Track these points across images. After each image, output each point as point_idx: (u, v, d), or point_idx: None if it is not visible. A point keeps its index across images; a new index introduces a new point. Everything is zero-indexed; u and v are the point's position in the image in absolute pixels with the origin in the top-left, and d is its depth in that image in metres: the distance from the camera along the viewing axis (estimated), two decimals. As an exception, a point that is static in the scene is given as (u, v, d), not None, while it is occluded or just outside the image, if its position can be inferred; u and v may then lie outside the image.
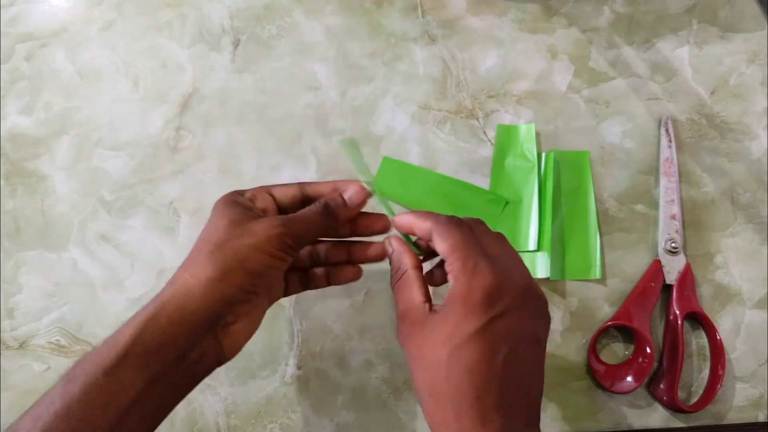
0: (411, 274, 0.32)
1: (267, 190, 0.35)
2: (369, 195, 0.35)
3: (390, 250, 0.34)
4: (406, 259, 0.33)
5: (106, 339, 0.29)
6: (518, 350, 0.28)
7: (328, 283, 0.38)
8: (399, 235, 0.35)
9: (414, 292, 0.31)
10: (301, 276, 0.38)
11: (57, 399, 0.28)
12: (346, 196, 0.34)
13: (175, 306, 0.29)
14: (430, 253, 0.34)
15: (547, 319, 0.31)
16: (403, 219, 0.34)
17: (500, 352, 0.28)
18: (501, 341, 0.28)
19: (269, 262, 0.31)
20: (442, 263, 0.32)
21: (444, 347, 0.28)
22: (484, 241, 0.31)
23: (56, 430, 0.27)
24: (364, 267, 0.44)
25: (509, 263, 0.30)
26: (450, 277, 0.29)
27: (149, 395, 0.29)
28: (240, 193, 0.34)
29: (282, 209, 0.35)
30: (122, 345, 0.28)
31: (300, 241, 0.32)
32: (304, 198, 0.36)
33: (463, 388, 0.28)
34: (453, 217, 0.32)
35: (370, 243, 0.37)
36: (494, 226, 0.36)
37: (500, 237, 0.32)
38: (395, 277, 0.33)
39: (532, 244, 0.44)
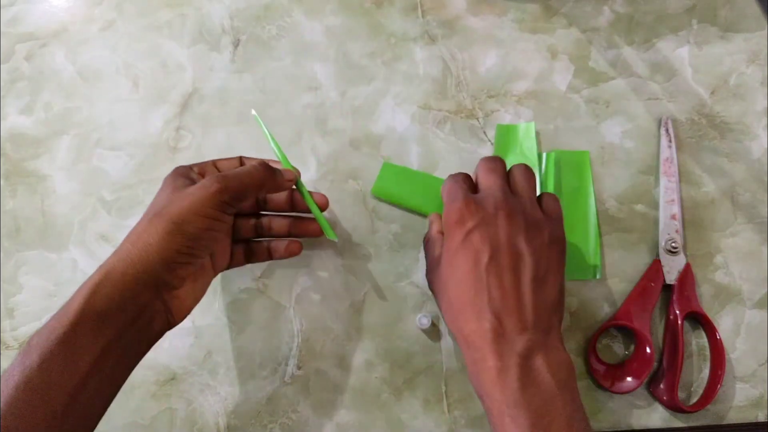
0: (435, 237, 0.40)
1: (213, 163, 0.39)
2: (296, 177, 0.39)
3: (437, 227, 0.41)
4: (435, 226, 0.41)
5: (57, 311, 0.30)
6: (499, 258, 0.33)
7: (270, 257, 0.41)
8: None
9: (437, 247, 0.39)
10: (245, 248, 0.41)
11: (16, 372, 0.28)
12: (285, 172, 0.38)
13: (119, 273, 0.31)
14: None
15: (530, 236, 0.34)
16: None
17: (481, 260, 0.33)
18: (478, 251, 0.34)
19: (206, 224, 0.33)
20: None
21: (444, 270, 0.36)
22: (481, 180, 0.37)
23: (18, 401, 0.28)
24: (366, 267, 0.44)
25: (487, 191, 0.36)
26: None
27: (105, 360, 0.30)
28: (188, 167, 0.37)
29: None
30: (73, 313, 0.29)
31: (237, 195, 0.34)
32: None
33: (460, 296, 0.34)
34: (459, 173, 0.39)
35: (311, 219, 0.41)
36: None
37: (491, 173, 0.37)
38: (427, 238, 0.41)
39: None
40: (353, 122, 0.47)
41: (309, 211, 0.40)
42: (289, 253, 0.41)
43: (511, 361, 0.31)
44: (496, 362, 0.31)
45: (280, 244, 0.41)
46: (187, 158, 0.46)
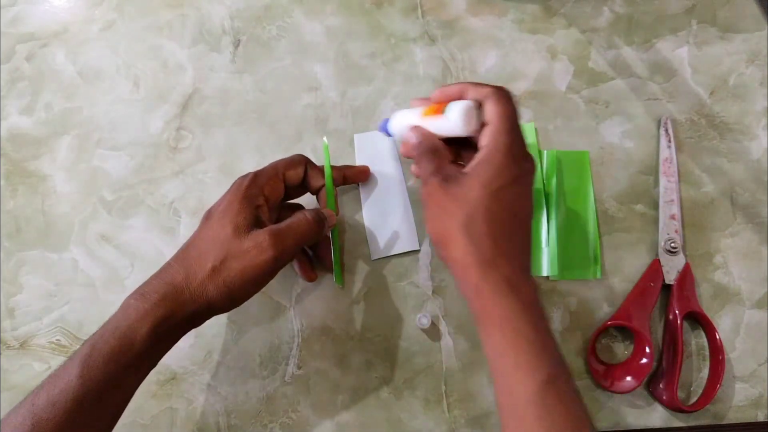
0: (442, 146, 0.37)
1: (281, 174, 0.39)
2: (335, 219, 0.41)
3: (415, 136, 0.38)
4: (437, 139, 0.37)
5: (114, 330, 0.32)
6: (530, 211, 0.35)
7: (312, 268, 0.44)
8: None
9: (446, 157, 0.37)
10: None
11: (75, 384, 0.31)
12: (327, 214, 0.39)
13: (180, 316, 0.34)
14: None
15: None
16: (453, 87, 0.37)
17: (528, 203, 0.34)
18: (528, 194, 0.34)
19: (255, 290, 0.36)
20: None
21: (485, 188, 0.33)
22: (515, 129, 0.36)
23: (75, 414, 0.31)
24: (366, 267, 0.44)
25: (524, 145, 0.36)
26: (491, 136, 0.34)
27: (143, 376, 0.34)
28: (257, 185, 0.37)
29: (288, 191, 0.40)
30: (138, 345, 0.32)
31: (289, 255, 0.36)
32: (305, 178, 0.41)
33: (501, 221, 0.33)
34: (506, 89, 0.36)
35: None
36: None
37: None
38: (427, 151, 0.37)
39: (543, 242, 0.44)
40: (353, 122, 0.47)
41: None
42: (307, 279, 0.43)
43: (537, 297, 0.33)
44: (532, 291, 0.33)
45: (298, 269, 0.43)
46: (187, 158, 0.46)
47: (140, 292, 0.34)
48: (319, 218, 0.38)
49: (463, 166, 0.35)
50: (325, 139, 0.42)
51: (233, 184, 0.38)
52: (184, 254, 0.35)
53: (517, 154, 0.34)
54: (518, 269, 0.33)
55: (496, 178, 0.33)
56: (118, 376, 0.32)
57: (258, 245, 0.35)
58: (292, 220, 0.37)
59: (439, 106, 0.37)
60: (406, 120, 0.39)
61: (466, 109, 0.35)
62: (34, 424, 0.30)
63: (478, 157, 0.34)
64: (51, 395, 0.30)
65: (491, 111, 0.35)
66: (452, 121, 0.35)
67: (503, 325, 0.31)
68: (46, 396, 0.31)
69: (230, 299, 0.35)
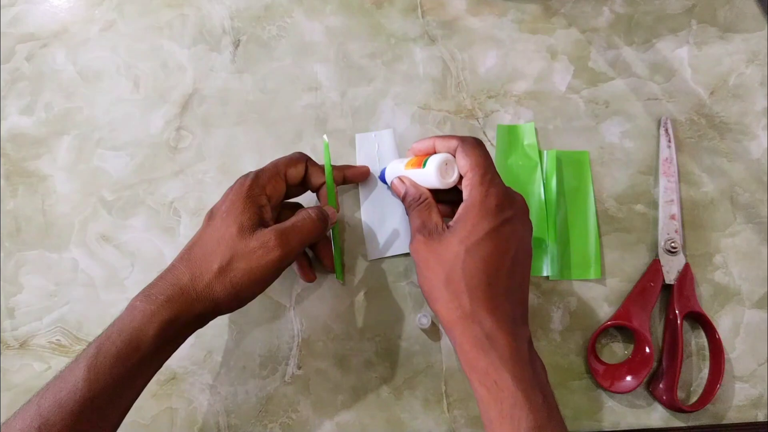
0: (431, 201, 0.38)
1: (282, 173, 0.39)
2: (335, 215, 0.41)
3: (403, 187, 0.40)
4: (424, 189, 0.39)
5: (120, 330, 0.33)
6: (518, 254, 0.35)
7: (311, 268, 0.44)
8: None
9: (433, 214, 0.38)
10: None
11: (81, 386, 0.31)
12: (328, 212, 0.40)
13: (186, 317, 0.34)
14: None
15: (530, 236, 0.37)
16: (425, 141, 0.40)
17: (508, 251, 0.34)
18: (508, 241, 0.35)
19: (261, 290, 0.36)
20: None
21: (461, 245, 0.34)
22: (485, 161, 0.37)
23: (83, 416, 0.31)
24: (366, 267, 0.44)
25: (509, 187, 0.37)
26: (467, 190, 0.36)
27: (148, 380, 0.34)
28: (259, 185, 0.37)
29: (289, 189, 0.40)
30: (145, 347, 0.32)
31: (295, 254, 0.37)
32: (305, 176, 0.41)
33: (477, 275, 0.34)
34: (475, 138, 0.38)
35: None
36: None
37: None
38: (415, 203, 0.39)
39: (547, 240, 0.44)
40: (353, 122, 0.47)
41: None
42: (306, 280, 0.43)
43: (522, 346, 0.33)
44: (510, 342, 0.32)
45: (297, 269, 0.43)
46: (187, 158, 0.46)
47: (146, 294, 0.34)
48: (322, 216, 0.38)
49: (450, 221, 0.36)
50: (325, 136, 0.42)
51: (235, 183, 0.38)
52: (188, 255, 0.35)
53: (493, 204, 0.35)
54: (502, 321, 0.33)
55: (472, 234, 0.34)
56: (125, 378, 0.32)
57: (264, 245, 0.35)
58: (297, 218, 0.37)
59: (420, 159, 0.39)
60: (397, 170, 0.41)
61: (440, 163, 0.37)
62: (41, 426, 0.30)
63: (458, 212, 0.36)
64: (58, 397, 0.30)
65: (462, 163, 0.36)
66: (430, 175, 0.37)
67: (484, 379, 0.32)
68: (53, 398, 0.30)
69: (237, 299, 0.35)
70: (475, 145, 0.37)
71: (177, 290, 0.34)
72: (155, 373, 0.34)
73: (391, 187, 0.42)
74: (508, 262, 0.34)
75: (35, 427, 0.30)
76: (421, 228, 0.37)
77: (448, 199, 0.40)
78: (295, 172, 0.40)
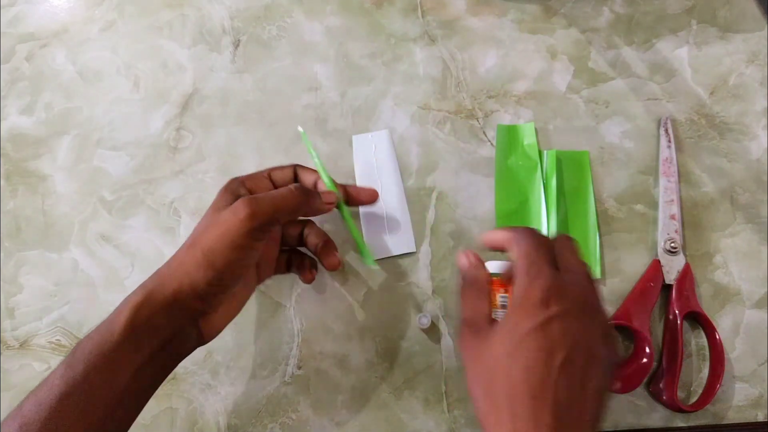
0: (485, 287, 0.34)
1: (268, 173, 0.39)
2: (337, 199, 0.40)
3: (467, 262, 0.35)
4: (484, 272, 0.34)
5: (98, 327, 0.32)
6: (574, 358, 0.28)
7: (310, 269, 0.42)
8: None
9: (484, 302, 0.33)
10: (288, 257, 0.42)
11: (58, 382, 0.30)
12: (319, 188, 0.39)
13: (159, 299, 0.32)
14: None
15: (606, 340, 0.30)
16: (488, 235, 0.35)
17: (557, 354, 0.28)
18: (557, 343, 0.28)
19: (236, 255, 0.33)
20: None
21: (503, 346, 0.29)
22: (559, 254, 0.32)
23: (61, 412, 0.30)
24: (366, 267, 0.44)
25: (575, 277, 0.31)
26: (516, 281, 0.31)
27: (140, 377, 0.32)
28: (240, 181, 0.37)
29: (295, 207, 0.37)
30: (117, 333, 0.31)
31: (269, 220, 0.34)
32: (297, 177, 0.40)
33: (519, 386, 0.28)
34: (532, 228, 0.33)
35: (334, 252, 0.42)
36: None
37: (579, 258, 0.33)
38: (468, 284, 0.34)
39: None
40: (353, 122, 0.47)
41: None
42: (331, 267, 0.41)
43: None
44: None
45: (323, 258, 0.41)
46: (187, 158, 0.46)
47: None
48: (303, 190, 0.36)
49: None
50: (299, 127, 0.42)
51: None
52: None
53: (538, 297, 0.29)
54: None
55: (513, 333, 0.29)
56: (100, 369, 0.31)
57: (232, 209, 0.33)
58: (274, 190, 0.36)
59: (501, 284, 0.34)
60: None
61: None
62: (21, 425, 0.29)
63: (508, 308, 0.31)
64: (38, 396, 0.30)
65: (513, 252, 0.32)
66: None
67: None
68: (34, 397, 0.30)
69: (212, 269, 0.32)
70: (527, 234, 0.32)
71: (152, 276, 0.33)
72: (138, 364, 0.31)
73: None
74: (556, 370, 0.28)
75: (15, 427, 0.29)
76: (467, 321, 0.33)
77: None
78: (281, 174, 0.39)
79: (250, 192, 0.37)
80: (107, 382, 0.31)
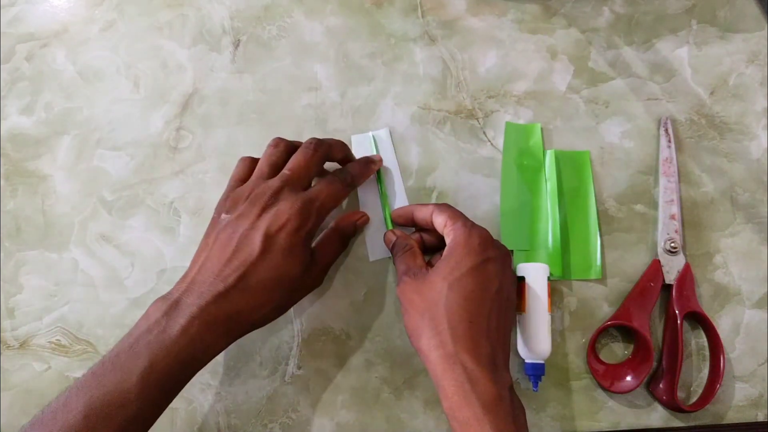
0: (415, 247, 0.40)
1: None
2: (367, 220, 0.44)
3: (394, 236, 0.42)
4: (410, 239, 0.41)
5: (157, 337, 0.33)
6: (501, 294, 0.36)
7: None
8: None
9: (417, 258, 0.39)
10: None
11: (82, 402, 0.31)
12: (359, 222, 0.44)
13: (189, 298, 0.34)
14: None
15: (514, 291, 0.39)
16: (404, 209, 0.43)
17: (490, 289, 0.35)
18: (491, 280, 0.35)
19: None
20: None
21: (444, 281, 0.35)
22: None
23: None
24: (366, 267, 0.44)
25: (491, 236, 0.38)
26: (449, 235, 0.37)
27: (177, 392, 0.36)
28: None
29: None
30: (153, 319, 0.33)
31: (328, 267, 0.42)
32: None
33: (459, 312, 0.34)
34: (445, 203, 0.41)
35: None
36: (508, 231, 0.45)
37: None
38: (400, 251, 0.40)
39: (549, 241, 0.44)
40: (353, 122, 0.47)
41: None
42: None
43: (503, 392, 0.32)
44: (492, 387, 0.32)
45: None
46: (187, 158, 0.46)
47: None
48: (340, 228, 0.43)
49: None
50: (371, 134, 0.46)
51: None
52: None
53: (477, 242, 0.36)
54: (483, 363, 0.33)
55: (455, 270, 0.35)
56: (126, 355, 0.32)
57: (314, 277, 0.40)
58: (326, 235, 0.42)
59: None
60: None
61: None
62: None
63: (443, 253, 0.37)
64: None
65: (439, 220, 0.39)
66: None
67: (466, 429, 0.32)
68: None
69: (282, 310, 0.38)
70: (447, 205, 0.40)
71: (221, 299, 0.35)
72: (173, 351, 0.33)
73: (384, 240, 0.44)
74: (490, 300, 0.35)
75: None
76: (406, 271, 0.38)
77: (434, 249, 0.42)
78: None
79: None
80: (132, 361, 0.32)
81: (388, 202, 0.45)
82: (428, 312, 0.35)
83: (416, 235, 0.42)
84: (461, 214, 0.39)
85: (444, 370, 0.33)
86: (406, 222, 0.43)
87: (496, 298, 0.35)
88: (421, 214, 0.40)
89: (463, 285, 0.34)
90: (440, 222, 0.39)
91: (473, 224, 0.38)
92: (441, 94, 0.48)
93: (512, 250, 0.44)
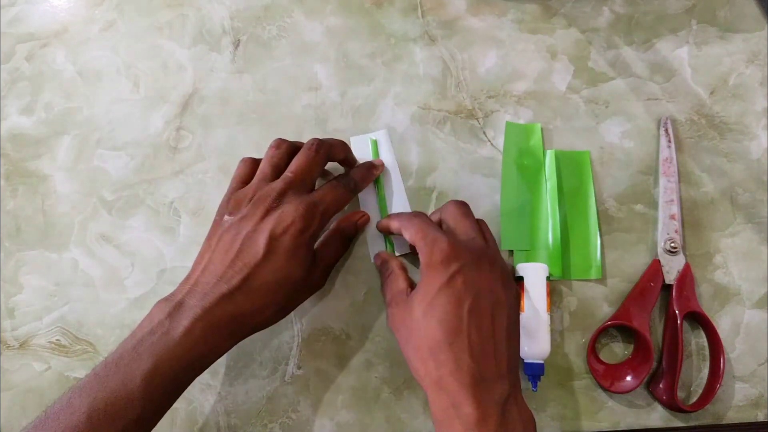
0: (396, 271, 0.39)
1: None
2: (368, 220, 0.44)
3: (379, 260, 0.42)
4: (392, 262, 0.41)
5: (172, 335, 0.33)
6: (479, 304, 0.34)
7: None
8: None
9: (399, 282, 0.38)
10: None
11: (85, 404, 0.31)
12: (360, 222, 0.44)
13: (191, 299, 0.34)
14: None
15: (506, 285, 0.36)
16: (382, 223, 0.42)
17: (464, 303, 0.33)
18: (462, 294, 0.33)
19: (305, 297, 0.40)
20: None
21: (420, 307, 0.34)
22: (446, 222, 0.38)
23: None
24: (366, 267, 0.44)
25: (465, 236, 0.37)
26: (419, 254, 0.36)
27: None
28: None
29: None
30: (157, 320, 0.33)
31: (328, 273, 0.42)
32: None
33: (437, 337, 0.33)
34: (414, 212, 0.41)
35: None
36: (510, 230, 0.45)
37: (466, 217, 0.38)
38: (384, 276, 0.40)
39: (550, 241, 0.44)
40: (353, 122, 0.47)
41: None
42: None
43: (490, 410, 0.31)
44: (474, 410, 0.31)
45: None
46: (187, 158, 0.46)
47: None
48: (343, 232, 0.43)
49: None
50: (371, 136, 0.46)
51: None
52: None
53: (438, 260, 0.34)
54: (467, 384, 0.31)
55: (427, 293, 0.34)
56: (128, 357, 0.32)
57: (315, 280, 0.40)
58: (328, 235, 0.42)
59: None
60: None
61: None
62: None
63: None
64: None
65: (407, 236, 0.37)
66: None
67: None
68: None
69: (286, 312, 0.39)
70: (410, 217, 0.38)
71: (225, 300, 0.34)
72: (181, 350, 0.33)
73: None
74: (467, 315, 0.33)
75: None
76: (390, 301, 0.38)
77: None
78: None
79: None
80: (135, 362, 0.32)
81: (386, 206, 0.45)
82: (412, 341, 0.34)
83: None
84: (425, 225, 0.37)
85: (431, 398, 0.33)
86: (388, 233, 0.42)
87: (474, 311, 0.33)
88: (394, 226, 0.40)
89: (434, 307, 0.33)
90: (409, 239, 0.37)
91: (435, 237, 0.35)
92: (441, 94, 0.48)
93: (511, 250, 0.44)
